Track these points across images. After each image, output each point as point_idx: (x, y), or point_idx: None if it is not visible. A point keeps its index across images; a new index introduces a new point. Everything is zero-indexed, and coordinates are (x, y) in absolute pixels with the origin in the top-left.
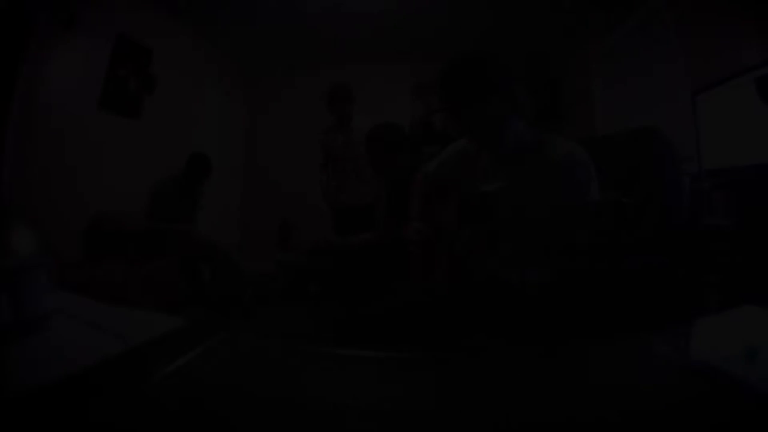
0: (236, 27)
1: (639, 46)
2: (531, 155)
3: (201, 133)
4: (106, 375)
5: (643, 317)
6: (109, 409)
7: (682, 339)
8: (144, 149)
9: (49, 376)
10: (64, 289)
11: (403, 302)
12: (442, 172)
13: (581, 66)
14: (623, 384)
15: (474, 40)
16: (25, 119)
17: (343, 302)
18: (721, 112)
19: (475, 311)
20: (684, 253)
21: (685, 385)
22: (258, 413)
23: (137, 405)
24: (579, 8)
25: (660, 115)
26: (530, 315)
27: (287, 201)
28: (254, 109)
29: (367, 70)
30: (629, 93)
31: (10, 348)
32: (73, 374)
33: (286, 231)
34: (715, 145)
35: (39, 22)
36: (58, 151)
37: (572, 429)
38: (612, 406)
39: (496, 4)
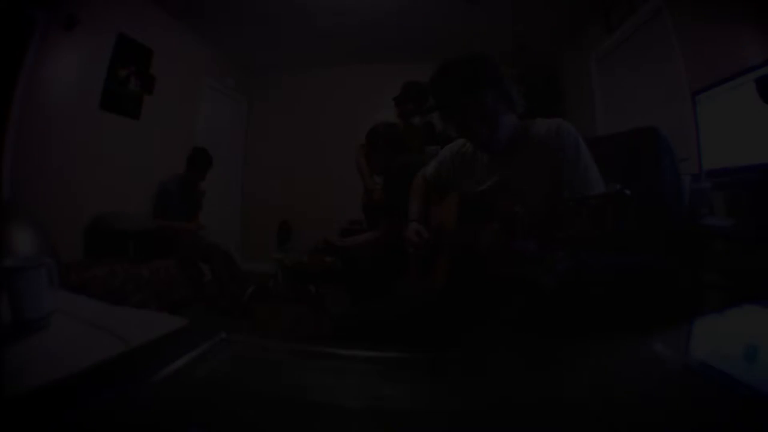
0: (236, 27)
1: (639, 46)
2: (519, 141)
3: (201, 133)
4: (106, 375)
5: (643, 317)
6: (109, 409)
7: (682, 339)
8: (144, 149)
9: (49, 376)
10: (64, 289)
11: (403, 302)
12: (440, 173)
13: (581, 66)
14: (624, 384)
15: (473, 40)
16: (25, 119)
17: (344, 302)
18: (721, 111)
19: (476, 309)
20: (684, 253)
21: (685, 385)
22: (258, 413)
23: (137, 405)
24: (579, 8)
25: (660, 115)
26: (536, 312)
27: (287, 201)
28: (254, 109)
29: (366, 70)
30: (629, 93)
31: (10, 348)
32: (73, 374)
33: (285, 231)
34: (715, 145)
35: (39, 22)
36: (59, 151)
37: (572, 429)
38: (612, 405)
39: (496, 4)
